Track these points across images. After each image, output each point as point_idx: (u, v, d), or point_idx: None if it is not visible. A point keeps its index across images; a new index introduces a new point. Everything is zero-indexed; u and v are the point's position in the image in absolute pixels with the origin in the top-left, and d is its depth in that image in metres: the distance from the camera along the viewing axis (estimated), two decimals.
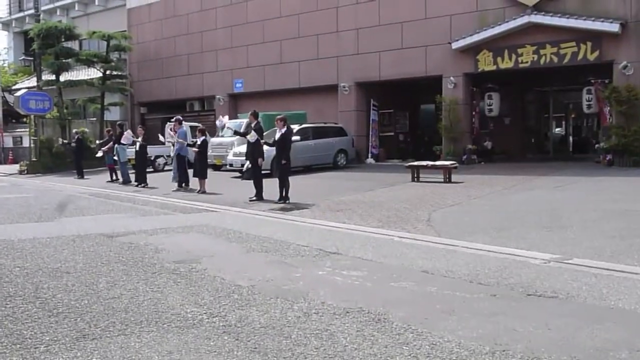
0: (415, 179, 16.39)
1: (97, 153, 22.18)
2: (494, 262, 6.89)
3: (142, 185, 18.16)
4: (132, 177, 19.24)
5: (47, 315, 5.02)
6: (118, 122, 23.36)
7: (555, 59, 19.75)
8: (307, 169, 20.37)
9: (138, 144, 18.90)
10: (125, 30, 33.16)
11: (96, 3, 37.25)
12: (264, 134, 14.59)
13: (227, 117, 16.22)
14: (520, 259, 7.07)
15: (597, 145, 20.82)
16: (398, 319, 4.81)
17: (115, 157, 20.07)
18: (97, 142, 24.64)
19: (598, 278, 6.06)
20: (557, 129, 28.37)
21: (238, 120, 22.58)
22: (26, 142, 31.73)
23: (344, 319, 4.85)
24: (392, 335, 4.45)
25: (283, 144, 13.19)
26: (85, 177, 22.44)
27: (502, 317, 4.85)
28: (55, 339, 4.46)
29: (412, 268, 6.73)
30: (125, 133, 20.12)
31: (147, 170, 20.04)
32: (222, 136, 23.19)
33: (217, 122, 16.21)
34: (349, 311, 5.03)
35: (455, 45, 21.49)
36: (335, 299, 5.39)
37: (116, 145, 19.85)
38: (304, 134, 20.33)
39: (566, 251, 7.34)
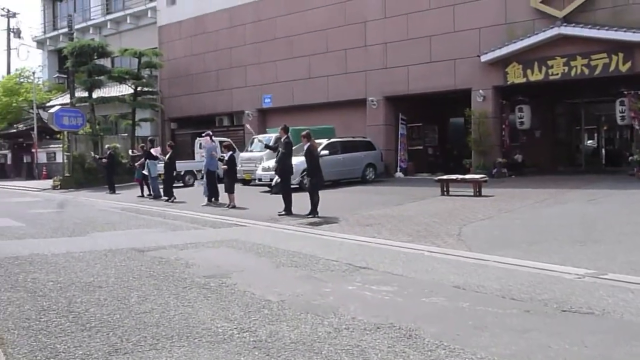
0: (445, 193, 16.26)
1: (130, 158, 22.52)
2: (527, 277, 6.79)
3: (171, 199, 18.33)
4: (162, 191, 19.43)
5: (80, 330, 5.07)
6: (149, 138, 23.64)
7: (586, 71, 19.50)
8: (336, 183, 20.35)
9: (164, 157, 19.19)
10: (156, 48, 33.68)
11: (128, 21, 37.92)
12: (293, 148, 14.62)
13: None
14: (554, 273, 6.96)
15: (630, 158, 20.43)
16: (430, 335, 4.76)
17: (146, 172, 20.29)
18: (130, 152, 24.87)
19: (635, 294, 5.93)
20: (588, 142, 27.98)
21: (267, 135, 22.67)
22: (59, 158, 32.31)
23: (375, 334, 4.81)
24: (424, 351, 4.40)
25: (308, 159, 13.26)
26: (117, 192, 22.73)
27: (536, 334, 4.76)
28: (88, 353, 4.50)
29: (443, 283, 6.65)
30: (153, 150, 20.38)
31: (176, 185, 20.24)
32: (252, 151, 23.33)
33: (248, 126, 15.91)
34: (380, 327, 4.99)
35: (484, 58, 21.36)
36: (366, 315, 5.35)
37: (147, 161, 20.08)
38: (333, 148, 20.34)
39: (601, 266, 7.20)
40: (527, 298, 5.88)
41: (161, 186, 19.78)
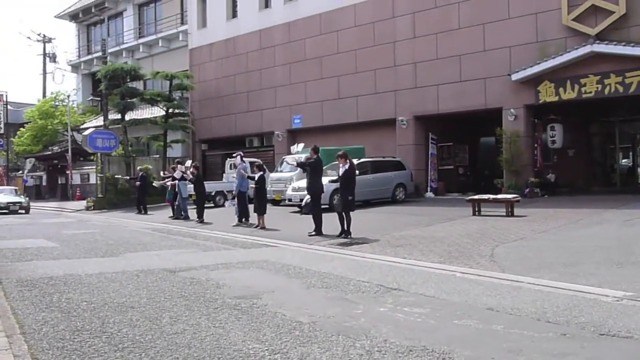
0: (477, 213, 16.09)
1: (157, 182, 22.76)
2: (563, 300, 6.65)
3: (199, 220, 18.44)
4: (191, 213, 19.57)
5: (113, 350, 5.09)
6: (177, 160, 23.92)
7: (621, 89, 19.23)
8: (366, 204, 20.28)
9: (190, 177, 19.43)
10: (187, 70, 34.21)
11: (160, 44, 38.60)
12: (324, 168, 14.63)
13: (301, 144, 16.03)
14: (591, 296, 6.80)
15: None
16: (463, 358, 4.67)
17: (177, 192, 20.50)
18: (162, 174, 25.11)
19: None
20: (623, 160, 27.48)
21: (297, 156, 22.74)
22: (93, 179, 32.82)
23: (408, 357, 4.74)
24: None
25: (348, 180, 13.17)
26: (149, 212, 22.95)
27: (573, 358, 4.65)
28: None
29: (476, 305, 6.55)
30: (178, 167, 20.64)
31: (207, 205, 20.38)
32: (281, 171, 23.42)
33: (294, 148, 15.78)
34: (413, 349, 4.92)
35: (515, 77, 21.21)
36: (398, 337, 5.28)
37: (178, 182, 20.30)
38: (363, 168, 20.28)
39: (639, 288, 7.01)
40: (563, 321, 5.74)
41: (193, 207, 19.94)
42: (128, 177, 27.73)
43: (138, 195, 24.16)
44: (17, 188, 34.10)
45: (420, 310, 6.34)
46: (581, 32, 19.97)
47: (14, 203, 28.16)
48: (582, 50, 19.71)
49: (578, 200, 19.05)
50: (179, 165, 21.01)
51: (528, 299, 6.75)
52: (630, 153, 27.56)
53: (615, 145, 26.41)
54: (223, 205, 24.56)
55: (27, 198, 30.90)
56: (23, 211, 27.82)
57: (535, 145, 22.48)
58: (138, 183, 24.10)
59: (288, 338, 5.34)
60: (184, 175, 20.25)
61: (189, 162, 21.14)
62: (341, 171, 13.26)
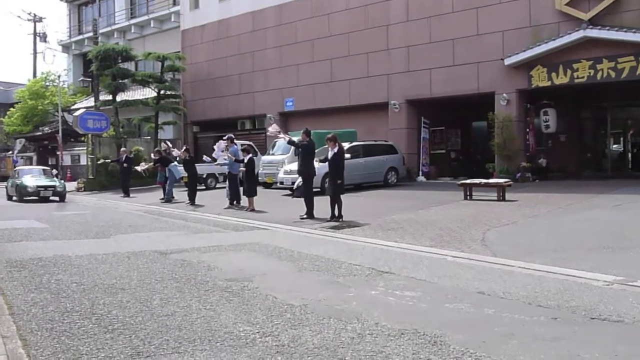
0: (468, 197, 16.10)
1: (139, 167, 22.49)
2: (554, 284, 6.67)
3: (190, 203, 18.36)
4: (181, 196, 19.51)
5: (103, 332, 5.06)
6: (163, 141, 23.67)
7: (613, 74, 19.22)
8: (358, 187, 20.27)
9: (179, 158, 19.48)
10: (179, 51, 33.94)
11: (152, 25, 38.23)
12: (316, 151, 14.57)
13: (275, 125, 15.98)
14: (581, 280, 6.83)
15: None
16: (455, 342, 4.67)
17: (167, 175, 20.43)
18: (152, 156, 24.82)
19: None
20: (614, 146, 27.54)
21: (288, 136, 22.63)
22: (84, 161, 32.65)
23: (399, 340, 4.73)
24: (449, 359, 4.32)
25: (336, 163, 13.11)
26: (131, 195, 22.71)
27: (565, 342, 4.65)
28: (111, 355, 4.48)
29: (468, 289, 6.56)
30: (173, 151, 20.62)
31: (199, 188, 20.30)
32: (273, 154, 23.35)
33: (271, 130, 15.83)
34: (404, 333, 4.92)
35: (508, 62, 21.16)
36: (390, 320, 5.28)
37: (167, 167, 20.25)
38: (355, 152, 20.25)
39: (630, 273, 7.04)
40: (554, 305, 5.76)
41: (184, 189, 19.87)
42: (110, 160, 27.36)
43: (122, 178, 23.76)
44: (48, 168, 27.57)
45: (411, 293, 6.34)
46: (574, 17, 19.91)
47: (46, 187, 22.32)
48: (575, 35, 19.66)
49: (569, 185, 19.11)
50: (174, 150, 20.89)
51: (519, 283, 6.77)
52: (621, 139, 27.61)
53: (607, 131, 26.44)
54: (215, 188, 24.47)
55: (63, 181, 24.75)
56: (57, 198, 22.33)
57: (527, 130, 22.50)
58: (125, 165, 23.50)
59: (279, 321, 5.33)
60: (170, 157, 20.20)
61: (165, 144, 21.14)
62: (330, 155, 13.17)
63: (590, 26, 19.36)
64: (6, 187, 24.24)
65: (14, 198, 22.68)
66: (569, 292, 6.28)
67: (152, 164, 21.84)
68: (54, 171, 26.49)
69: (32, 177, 23.24)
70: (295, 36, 28.49)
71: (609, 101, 24.63)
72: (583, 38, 19.51)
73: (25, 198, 21.95)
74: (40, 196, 21.86)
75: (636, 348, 4.54)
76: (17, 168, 25.79)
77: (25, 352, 4.57)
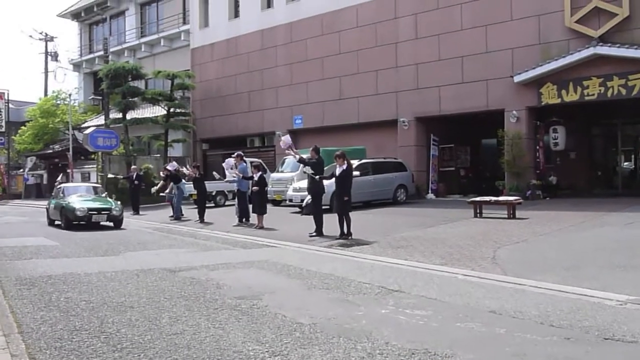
0: (478, 215, 16.02)
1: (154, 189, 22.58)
2: (566, 303, 6.59)
3: (199, 220, 18.34)
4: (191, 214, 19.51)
5: (112, 350, 5.04)
6: (170, 161, 23.69)
7: (624, 91, 19.14)
8: (367, 205, 20.22)
9: (189, 176, 19.53)
10: (188, 69, 34.15)
11: (161, 44, 38.54)
12: (325, 168, 14.56)
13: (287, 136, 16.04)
14: (594, 300, 6.75)
15: None
16: None
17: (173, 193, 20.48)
18: (162, 174, 24.94)
19: None
20: (625, 163, 27.38)
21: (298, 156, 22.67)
22: (94, 178, 32.77)
23: None
24: None
25: (344, 180, 13.07)
26: (141, 213, 22.73)
27: None
28: None
29: (479, 308, 6.49)
30: (169, 166, 20.65)
31: (208, 205, 20.30)
32: (282, 171, 23.36)
33: (283, 139, 15.82)
34: (415, 352, 4.86)
35: (517, 79, 21.13)
36: (400, 340, 5.22)
37: (174, 184, 20.30)
38: (364, 169, 20.24)
39: None
40: (567, 325, 5.69)
41: (194, 207, 19.89)
42: (121, 177, 27.43)
43: (132, 195, 23.80)
44: (99, 185, 23.65)
45: (422, 312, 6.29)
46: (584, 34, 19.88)
47: (99, 211, 17.75)
48: (585, 52, 19.62)
49: (580, 202, 18.98)
50: (183, 168, 20.93)
51: (531, 302, 6.70)
52: (632, 156, 27.46)
53: (617, 148, 26.29)
54: (224, 205, 24.48)
55: (119, 202, 19.58)
56: (111, 223, 17.98)
57: (537, 147, 22.40)
58: (135, 182, 23.69)
59: (288, 339, 5.29)
60: (179, 175, 20.25)
61: (172, 164, 21.03)
62: (338, 171, 13.14)
63: (601, 43, 19.31)
64: (47, 210, 19.78)
65: (57, 222, 18.49)
66: (581, 311, 6.20)
67: (162, 181, 21.85)
68: (99, 187, 22.52)
69: (81, 197, 18.87)
70: (305, 54, 28.62)
71: (620, 118, 24.53)
72: (593, 55, 19.47)
73: (73, 223, 17.49)
74: (92, 221, 17.57)
75: None
76: (61, 186, 21.01)
77: None
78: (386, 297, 7.12)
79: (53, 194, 20.54)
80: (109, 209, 17.78)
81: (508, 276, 8.33)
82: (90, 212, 17.44)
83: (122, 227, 17.34)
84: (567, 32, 20.38)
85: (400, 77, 24.88)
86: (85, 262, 10.41)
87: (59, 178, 27.55)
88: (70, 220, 17.40)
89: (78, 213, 17.29)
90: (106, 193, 20.73)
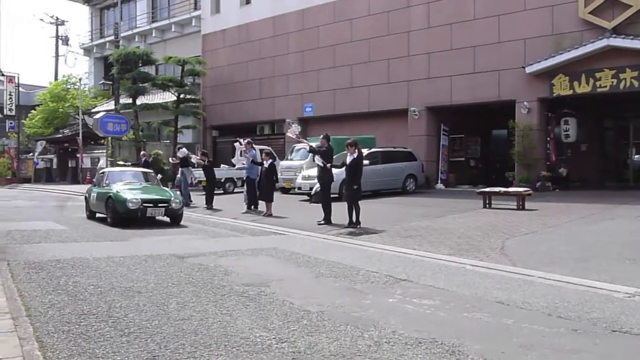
0: (487, 206, 15.96)
1: (171, 165, 22.48)
2: (574, 295, 6.56)
3: (208, 207, 18.36)
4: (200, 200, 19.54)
5: (119, 335, 5.06)
6: (178, 146, 23.62)
7: (636, 84, 18.96)
8: (376, 194, 20.19)
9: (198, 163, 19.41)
10: (199, 56, 34.11)
11: (172, 29, 38.52)
12: (334, 157, 14.53)
13: (295, 124, 16.12)
14: (603, 292, 6.72)
15: None
16: (473, 352, 4.60)
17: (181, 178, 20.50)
18: (171, 160, 24.92)
19: None
20: (636, 156, 27.20)
21: (309, 143, 22.65)
22: (103, 163, 32.90)
23: (417, 349, 4.68)
24: None
25: (354, 169, 13.04)
26: None
27: (586, 355, 4.57)
28: (127, 359, 4.48)
29: (487, 298, 6.48)
30: (181, 151, 20.63)
31: (217, 192, 20.30)
32: (292, 159, 23.35)
33: (292, 129, 15.81)
34: (422, 342, 4.86)
35: (529, 70, 20.98)
36: (407, 329, 5.22)
37: (181, 168, 20.29)
38: (373, 158, 20.19)
39: None
40: (575, 317, 5.66)
41: (202, 193, 19.92)
42: (130, 163, 27.47)
43: None
44: (150, 171, 18.30)
45: (429, 302, 6.28)
46: (597, 26, 19.70)
47: (156, 203, 14.25)
48: (598, 44, 19.44)
49: (590, 195, 18.88)
50: (192, 156, 20.91)
51: (539, 293, 6.67)
52: None
53: (629, 141, 26.13)
54: (233, 192, 24.50)
55: (178, 192, 17.69)
56: (167, 218, 14.82)
57: (548, 138, 22.27)
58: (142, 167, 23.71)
59: (296, 327, 5.30)
60: (190, 161, 20.24)
61: (182, 151, 20.89)
62: (348, 160, 13.11)
63: (614, 35, 19.14)
64: (86, 200, 16.54)
65: (98, 215, 15.48)
66: (589, 303, 6.18)
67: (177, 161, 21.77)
68: (151, 172, 17.85)
69: (130, 185, 15.34)
70: (317, 41, 28.53)
71: (632, 111, 24.33)
72: (606, 47, 19.29)
73: (123, 217, 13.92)
74: (146, 216, 14.03)
75: None
76: (104, 170, 17.42)
77: (41, 354, 4.57)
78: (394, 286, 7.11)
79: (95, 180, 17.28)
80: (167, 201, 14.31)
81: (516, 267, 8.30)
82: (144, 205, 13.92)
83: (182, 223, 14.51)
84: (580, 23, 20.19)
85: (412, 67, 24.76)
86: (94, 247, 10.46)
87: (101, 163, 26.08)
88: (120, 214, 13.89)
89: (130, 205, 13.73)
90: (158, 179, 17.28)
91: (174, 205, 14.36)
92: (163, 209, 14.28)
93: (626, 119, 25.43)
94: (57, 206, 20.70)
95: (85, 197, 16.73)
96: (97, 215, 15.53)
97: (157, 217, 14.49)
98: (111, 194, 14.31)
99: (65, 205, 21.34)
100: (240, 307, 6.00)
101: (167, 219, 14.77)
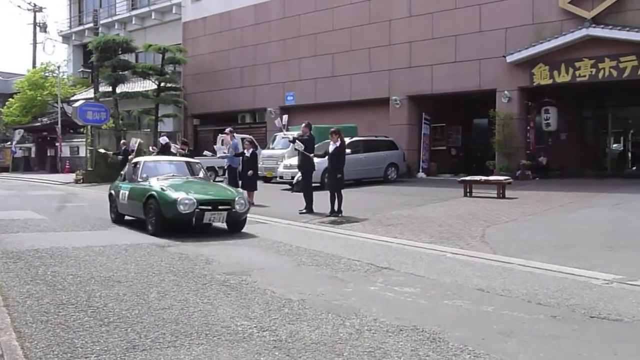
0: (468, 194, 16.05)
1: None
2: (553, 282, 6.63)
3: None
4: None
5: (99, 325, 5.02)
6: (161, 135, 23.43)
7: (615, 73, 19.13)
8: (357, 183, 20.21)
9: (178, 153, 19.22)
10: (180, 44, 33.79)
11: (153, 17, 38.11)
12: (315, 146, 14.50)
13: (285, 116, 16.16)
14: (581, 279, 6.80)
15: None
16: (454, 339, 4.63)
17: None
18: (151, 149, 24.69)
19: None
20: (615, 145, 27.53)
21: (289, 133, 22.61)
22: (83, 152, 32.57)
23: (398, 337, 4.70)
24: (447, 356, 4.28)
25: (337, 157, 13.04)
26: None
27: (565, 341, 4.62)
28: (106, 349, 4.44)
29: (467, 286, 6.52)
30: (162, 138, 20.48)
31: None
32: (273, 148, 23.28)
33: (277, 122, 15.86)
34: (403, 329, 4.88)
35: (510, 59, 21.07)
36: (388, 316, 5.24)
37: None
38: (355, 147, 20.16)
39: (629, 272, 7.00)
40: (554, 303, 5.72)
41: None
42: (111, 152, 27.15)
43: (121, 170, 23.40)
44: (197, 161, 14.15)
45: (410, 290, 6.31)
46: (577, 15, 19.80)
47: (215, 205, 10.66)
48: (577, 33, 19.56)
49: (569, 183, 19.05)
50: (173, 145, 20.72)
51: (519, 280, 6.73)
52: (622, 138, 27.61)
53: (608, 130, 26.46)
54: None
55: (244, 192, 12.94)
56: (225, 225, 11.17)
57: (528, 127, 22.42)
58: (120, 157, 23.41)
59: (277, 315, 5.29)
60: (170, 150, 20.06)
61: (134, 140, 20.56)
62: (331, 148, 13.09)
63: (593, 25, 19.26)
64: (111, 198, 13.03)
65: (127, 218, 12.38)
66: (568, 290, 6.24)
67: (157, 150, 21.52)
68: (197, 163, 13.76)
69: (174, 180, 11.62)
70: (299, 30, 28.39)
71: (611, 101, 24.57)
72: (586, 37, 19.41)
73: (170, 224, 10.51)
74: (202, 222, 10.59)
75: (636, 347, 4.50)
76: (137, 160, 13.26)
77: (19, 344, 4.52)
78: (375, 274, 7.13)
79: (124, 173, 13.40)
80: (230, 202, 10.68)
81: (497, 255, 8.37)
82: (200, 207, 10.28)
83: (244, 229, 11.11)
84: (560, 12, 20.29)
85: (394, 56, 24.75)
86: (74, 236, 10.35)
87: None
88: (165, 220, 10.41)
89: (182, 208, 10.12)
90: (206, 173, 13.60)
91: (238, 207, 10.66)
92: (225, 212, 10.55)
93: (605, 109, 25.71)
94: (35, 195, 20.41)
95: (110, 195, 13.10)
96: (126, 217, 12.39)
97: (214, 223, 10.95)
98: (153, 192, 10.65)
99: (43, 194, 21.07)
100: (222, 296, 5.99)
101: (221, 224, 11.06)
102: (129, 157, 20.46)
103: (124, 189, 12.14)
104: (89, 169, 28.54)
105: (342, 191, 13.17)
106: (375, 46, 25.29)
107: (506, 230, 10.59)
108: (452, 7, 22.94)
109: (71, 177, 29.12)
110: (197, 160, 14.30)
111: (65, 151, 37.03)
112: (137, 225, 11.53)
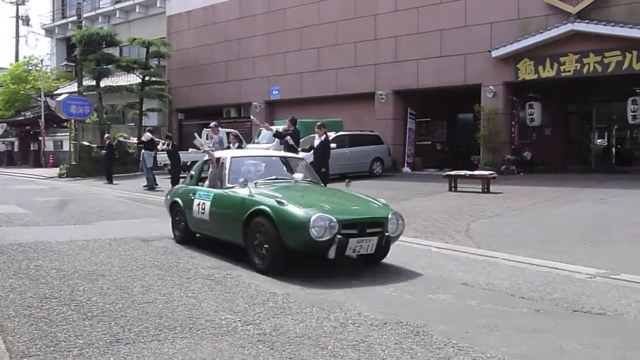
0: (453, 189, 16.10)
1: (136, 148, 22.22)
2: (537, 276, 6.68)
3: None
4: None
5: (82, 319, 4.98)
6: (147, 129, 23.31)
7: (599, 68, 19.26)
8: (342, 177, 20.17)
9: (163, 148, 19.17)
10: (164, 37, 33.57)
11: (137, 10, 37.83)
12: (300, 140, 14.46)
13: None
14: (565, 273, 6.85)
15: None
16: (438, 332, 4.65)
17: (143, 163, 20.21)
18: (136, 142, 24.52)
19: None
20: (599, 140, 27.73)
21: (274, 127, 22.56)
22: (66, 146, 32.29)
23: (382, 330, 4.71)
24: (431, 349, 4.30)
25: (322, 151, 13.02)
26: (115, 182, 22.41)
27: (548, 335, 4.65)
28: (89, 342, 4.41)
29: (451, 280, 6.55)
30: (145, 135, 20.36)
31: (183, 175, 20.11)
32: (259, 142, 23.22)
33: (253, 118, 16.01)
34: (387, 323, 4.89)
35: (495, 54, 21.14)
36: (373, 310, 5.25)
37: (143, 151, 20.04)
38: (340, 141, 20.18)
39: (612, 266, 7.07)
40: (537, 297, 5.76)
41: (168, 177, 19.70)
42: (95, 146, 26.92)
43: (106, 164, 23.43)
44: (301, 157, 10.57)
45: (395, 284, 6.32)
46: (562, 10, 19.90)
47: (361, 227, 6.74)
48: (562, 28, 19.66)
49: (554, 178, 19.18)
50: (159, 141, 20.61)
51: (503, 274, 6.77)
52: (606, 133, 27.81)
53: (592, 125, 26.60)
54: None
55: (382, 199, 7.96)
56: (371, 252, 6.98)
57: (513, 122, 22.53)
58: (104, 152, 23.32)
59: (261, 309, 5.29)
60: (156, 145, 19.98)
61: (145, 136, 20.52)
62: (316, 142, 13.08)
63: (578, 20, 19.37)
64: (173, 208, 9.45)
65: (198, 235, 8.93)
66: (552, 284, 6.29)
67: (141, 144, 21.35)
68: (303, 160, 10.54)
69: (290, 189, 8.00)
70: (284, 24, 28.29)
71: (595, 95, 24.73)
72: (571, 32, 19.52)
73: (294, 255, 6.97)
74: (344, 255, 6.84)
75: (618, 341, 4.54)
76: (223, 156, 8.78)
77: (2, 338, 4.48)
78: (360, 269, 7.13)
79: (192, 172, 9.89)
80: (382, 222, 7.04)
81: (481, 249, 8.41)
82: (344, 232, 6.62)
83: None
84: (545, 7, 20.38)
85: (379, 50, 24.75)
86: (57, 230, 10.27)
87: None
88: (287, 250, 6.78)
89: (315, 233, 6.46)
90: (312, 172, 9.92)
91: (390, 227, 7.06)
92: (375, 238, 6.84)
93: (589, 104, 25.86)
94: (18, 190, 20.21)
95: (174, 205, 9.35)
96: (197, 235, 8.98)
97: (359, 253, 6.96)
98: (264, 208, 6.95)
99: (27, 188, 20.88)
100: (206, 290, 5.97)
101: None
102: (141, 149, 20.36)
103: (201, 198, 8.41)
104: (73, 163, 28.31)
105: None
106: (361, 40, 25.27)
107: (491, 225, 10.64)
108: (438, 1, 22.97)
109: (55, 171, 28.89)
110: (300, 156, 10.66)
111: (49, 145, 36.70)
112: (219, 248, 8.30)
